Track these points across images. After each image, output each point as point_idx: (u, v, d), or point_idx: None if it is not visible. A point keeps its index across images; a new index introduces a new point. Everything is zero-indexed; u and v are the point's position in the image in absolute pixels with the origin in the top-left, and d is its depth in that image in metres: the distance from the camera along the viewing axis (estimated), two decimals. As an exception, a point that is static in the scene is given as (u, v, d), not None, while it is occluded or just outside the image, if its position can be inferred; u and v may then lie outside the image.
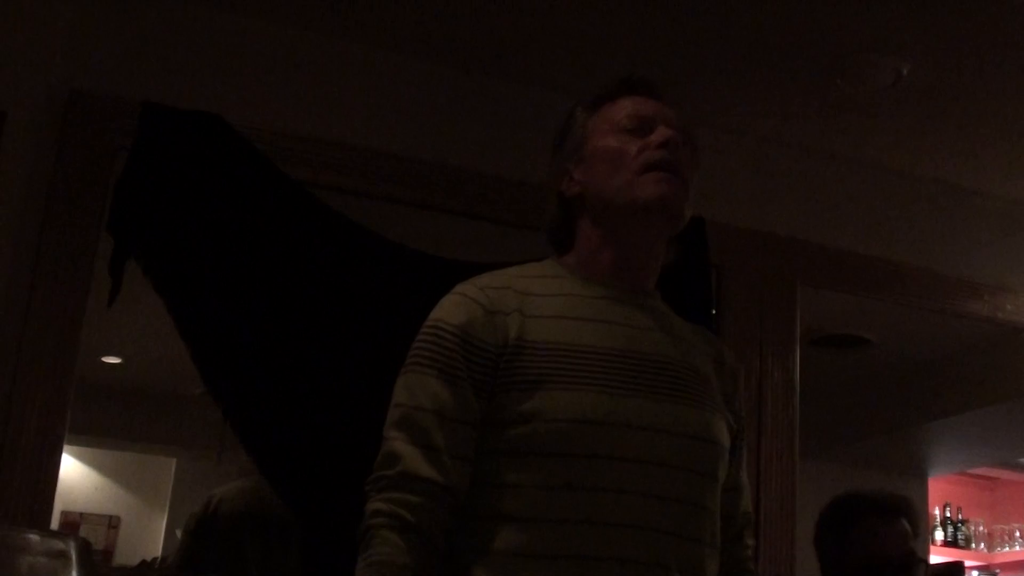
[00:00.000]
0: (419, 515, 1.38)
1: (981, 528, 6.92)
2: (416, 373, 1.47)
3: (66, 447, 2.42)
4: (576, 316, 1.50)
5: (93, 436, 5.74)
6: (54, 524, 2.54)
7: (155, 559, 2.82)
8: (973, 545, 6.87)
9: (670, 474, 1.44)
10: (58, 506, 2.74)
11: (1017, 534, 6.82)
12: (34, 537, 1.54)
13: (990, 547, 6.94)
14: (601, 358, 1.46)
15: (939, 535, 6.70)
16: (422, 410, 1.43)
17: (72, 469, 6.37)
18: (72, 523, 6.40)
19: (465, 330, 1.47)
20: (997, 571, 6.78)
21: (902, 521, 2.54)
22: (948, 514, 6.78)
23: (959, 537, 6.80)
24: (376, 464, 1.44)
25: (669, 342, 1.55)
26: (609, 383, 1.45)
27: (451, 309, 1.50)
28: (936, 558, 5.52)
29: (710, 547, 1.49)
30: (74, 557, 1.54)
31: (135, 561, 5.14)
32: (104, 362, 5.30)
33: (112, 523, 6.63)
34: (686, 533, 1.44)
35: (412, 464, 1.40)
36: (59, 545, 1.56)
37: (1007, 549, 6.86)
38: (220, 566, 3.01)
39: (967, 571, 6.11)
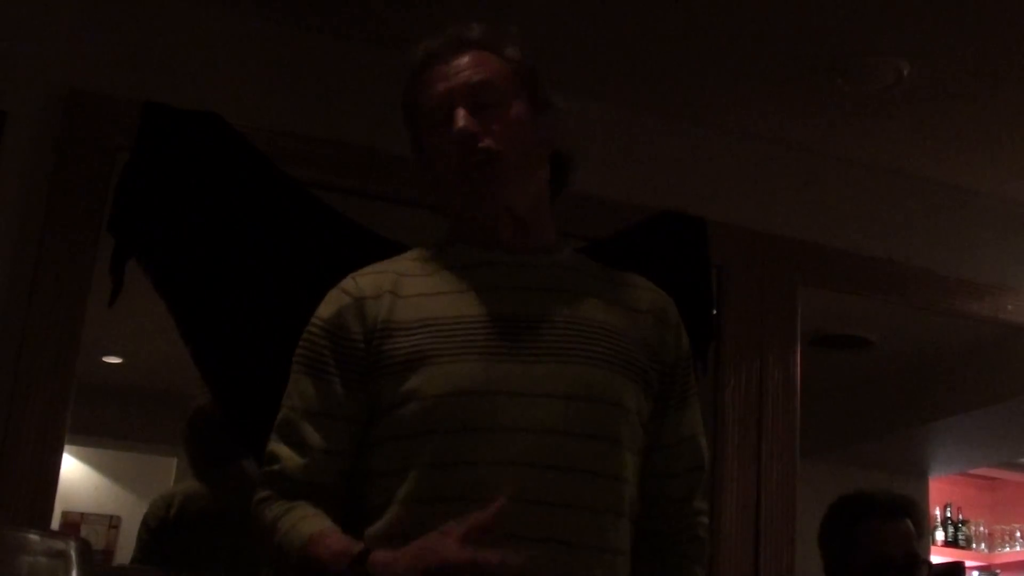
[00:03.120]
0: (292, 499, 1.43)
1: (982, 528, 6.92)
2: (293, 373, 1.50)
3: (66, 447, 2.42)
4: (447, 290, 1.47)
5: (93, 436, 5.74)
6: (54, 524, 2.54)
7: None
8: (974, 545, 6.87)
9: (556, 441, 1.38)
10: (58, 506, 2.74)
11: (1018, 534, 6.81)
12: (34, 537, 1.54)
13: (991, 547, 6.94)
14: (471, 327, 1.42)
15: (940, 535, 6.70)
16: (294, 410, 1.47)
17: (72, 469, 6.37)
18: (72, 523, 6.40)
19: (332, 322, 1.47)
20: (998, 571, 6.78)
21: (906, 522, 2.54)
22: (949, 514, 6.78)
23: (960, 537, 6.80)
24: (264, 460, 1.49)
25: (557, 299, 1.47)
26: (481, 351, 1.40)
27: (324, 304, 1.51)
28: (936, 558, 5.51)
29: (613, 515, 1.42)
30: (74, 557, 1.54)
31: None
32: (104, 362, 5.30)
33: (112, 523, 6.63)
34: (579, 502, 1.38)
35: (286, 464, 1.44)
36: (59, 545, 1.56)
37: (1008, 549, 6.86)
38: (183, 563, 3.02)
39: (968, 571, 6.11)
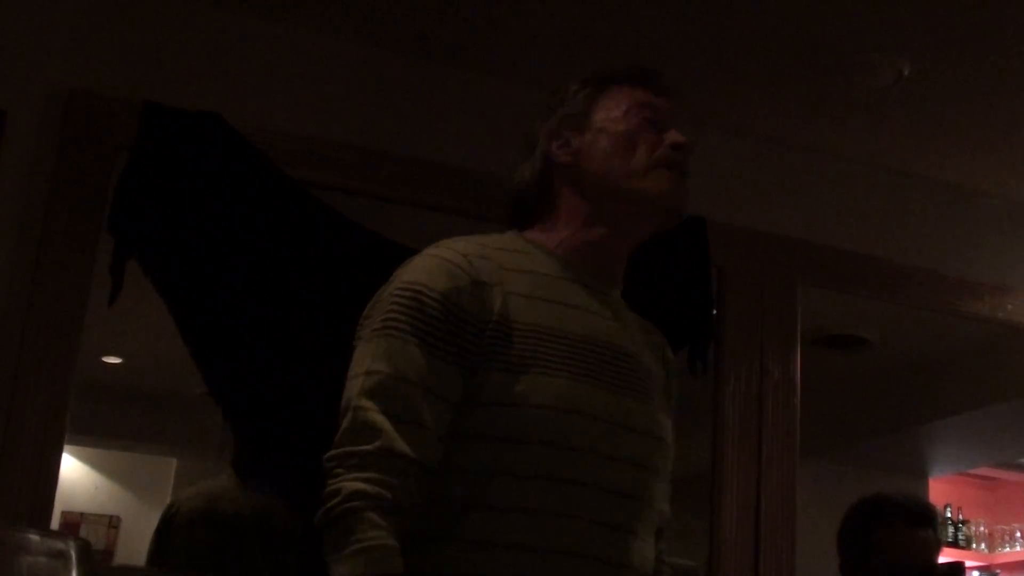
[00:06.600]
0: (401, 497, 1.28)
1: (982, 528, 6.92)
2: (395, 339, 1.34)
3: (66, 447, 2.42)
4: (548, 298, 1.44)
5: (93, 436, 5.74)
6: (54, 524, 2.54)
7: None
8: (974, 545, 6.87)
9: (629, 470, 1.42)
10: (58, 506, 2.74)
11: (1018, 534, 6.81)
12: (34, 537, 1.55)
13: (991, 547, 6.94)
14: (573, 345, 1.41)
15: (939, 535, 6.69)
16: (406, 381, 1.32)
17: (72, 469, 6.37)
18: (72, 523, 6.40)
19: (450, 298, 1.36)
20: (998, 571, 6.78)
21: (928, 531, 2.47)
22: (949, 514, 6.78)
23: (960, 537, 6.79)
24: (344, 436, 1.31)
25: (625, 335, 1.51)
26: (581, 372, 1.40)
27: (433, 273, 1.39)
28: (936, 558, 5.51)
29: (653, 543, 1.50)
30: (74, 557, 1.54)
31: (135, 561, 5.15)
32: (104, 362, 5.30)
33: (112, 523, 6.62)
34: (640, 531, 1.44)
35: (393, 440, 1.28)
36: (59, 545, 1.56)
37: (1008, 549, 6.86)
38: (184, 564, 3.05)
39: (968, 571, 6.11)
